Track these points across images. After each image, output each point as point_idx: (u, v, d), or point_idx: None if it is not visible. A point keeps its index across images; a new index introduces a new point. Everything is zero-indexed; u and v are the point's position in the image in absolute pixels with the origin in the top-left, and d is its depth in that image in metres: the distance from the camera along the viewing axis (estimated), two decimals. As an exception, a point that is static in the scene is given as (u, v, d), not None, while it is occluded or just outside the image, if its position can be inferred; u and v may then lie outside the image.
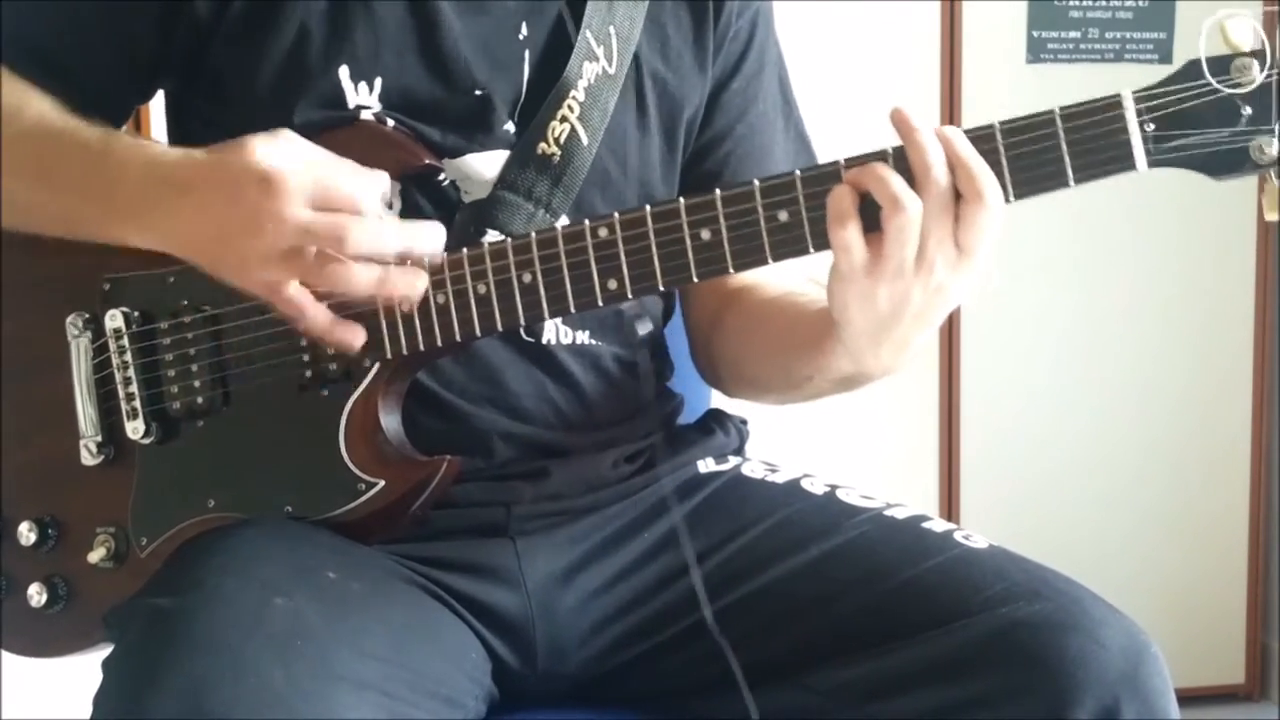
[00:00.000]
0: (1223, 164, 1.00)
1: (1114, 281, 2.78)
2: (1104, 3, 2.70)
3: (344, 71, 1.13)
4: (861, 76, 2.63)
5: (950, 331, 2.74)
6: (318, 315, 1.05)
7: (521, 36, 1.17)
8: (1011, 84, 2.67)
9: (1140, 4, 2.70)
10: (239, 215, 1.02)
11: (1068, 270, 2.76)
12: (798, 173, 1.04)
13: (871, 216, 1.01)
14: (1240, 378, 2.84)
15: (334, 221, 1.01)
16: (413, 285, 1.06)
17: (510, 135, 1.16)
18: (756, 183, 1.05)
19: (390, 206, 1.13)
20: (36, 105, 1.13)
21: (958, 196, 1.00)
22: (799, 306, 1.20)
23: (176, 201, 1.05)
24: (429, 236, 1.07)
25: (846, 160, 1.03)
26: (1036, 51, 2.69)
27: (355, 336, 1.07)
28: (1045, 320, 2.77)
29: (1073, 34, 2.69)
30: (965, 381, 2.76)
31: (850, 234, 1.01)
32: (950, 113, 2.67)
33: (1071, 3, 2.69)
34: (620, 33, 1.18)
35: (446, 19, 1.15)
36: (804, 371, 1.18)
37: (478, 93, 1.15)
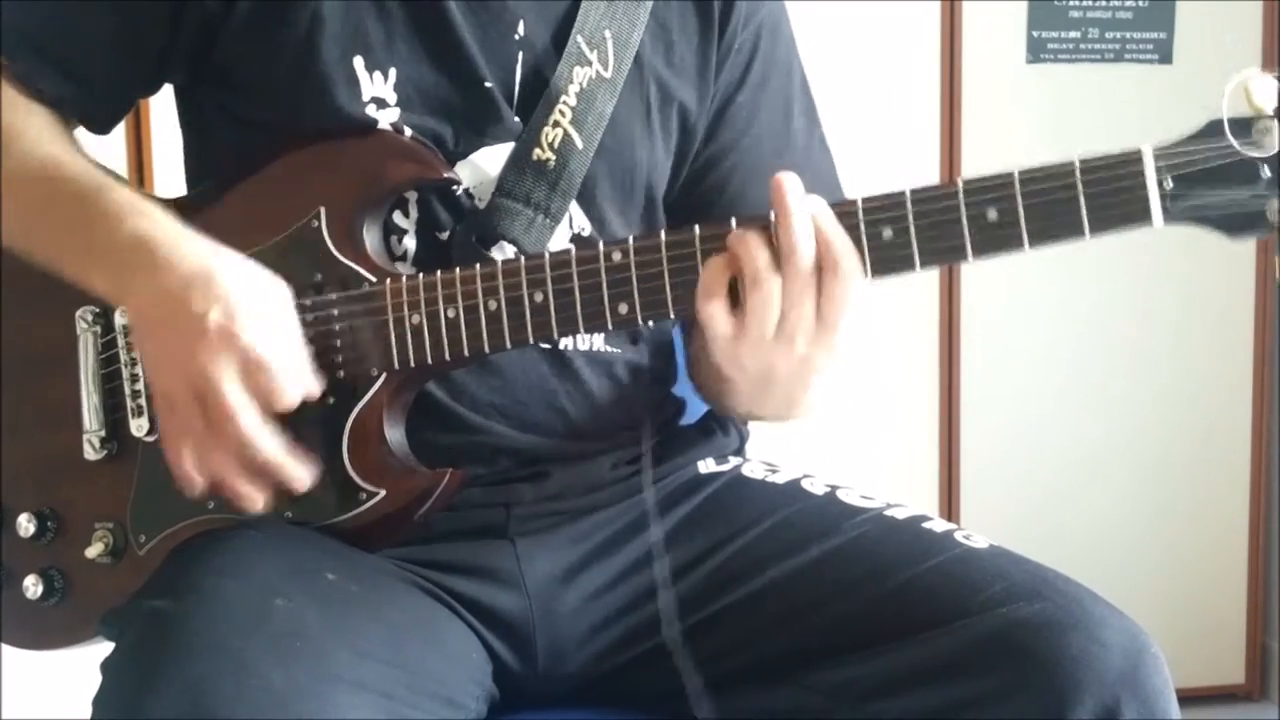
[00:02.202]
0: (1239, 224, 1.01)
1: (1114, 282, 2.78)
2: (1104, 3, 2.70)
3: (359, 62, 1.13)
4: (861, 76, 2.63)
5: (950, 332, 2.74)
6: (183, 460, 1.06)
7: (518, 36, 1.17)
8: (1011, 84, 2.67)
9: (1140, 4, 2.70)
10: (176, 340, 1.03)
11: (1067, 271, 2.75)
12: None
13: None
14: (1240, 378, 2.84)
15: (235, 404, 1.03)
16: (252, 501, 1.06)
17: (518, 126, 1.16)
18: (772, 214, 1.04)
19: (408, 215, 1.14)
20: (24, 139, 1.13)
21: (821, 270, 1.02)
22: None
23: (139, 279, 1.06)
24: (301, 474, 1.07)
25: (737, 220, 1.05)
26: (1036, 51, 2.69)
27: (192, 488, 1.07)
28: (1045, 321, 2.77)
29: (1073, 34, 2.69)
30: (965, 382, 2.76)
31: (713, 308, 1.04)
32: (950, 113, 2.66)
33: (1071, 3, 2.69)
34: (618, 35, 1.18)
35: (453, 14, 1.15)
36: (726, 404, 1.21)
37: (486, 84, 1.15)
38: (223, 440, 1.04)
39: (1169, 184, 1.00)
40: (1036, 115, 2.65)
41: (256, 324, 1.03)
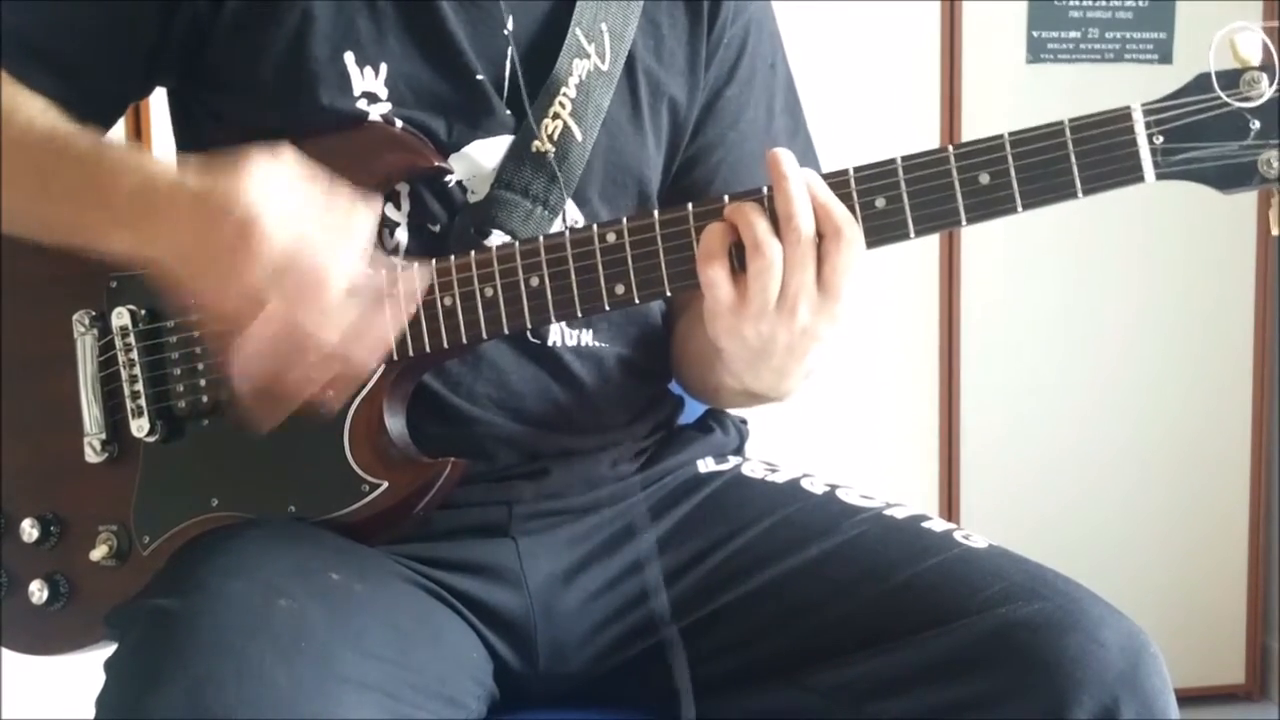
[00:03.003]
0: (1230, 177, 1.01)
1: (1114, 282, 2.78)
2: (1104, 3, 2.70)
3: (349, 58, 1.13)
4: (861, 76, 2.63)
5: (950, 332, 2.74)
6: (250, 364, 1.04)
7: (506, 30, 1.17)
8: (1011, 84, 2.67)
9: (1140, 4, 2.70)
10: (217, 247, 1.00)
11: (1068, 270, 2.76)
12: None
13: (743, 256, 1.04)
14: (1240, 378, 2.84)
15: (295, 287, 1.00)
16: (355, 368, 1.05)
17: (510, 120, 1.17)
18: (765, 189, 1.05)
19: (400, 208, 1.14)
20: (26, 110, 1.12)
21: (821, 237, 1.03)
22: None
23: (164, 215, 1.04)
24: (370, 345, 1.05)
25: (729, 195, 1.06)
26: (1036, 51, 2.69)
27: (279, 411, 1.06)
28: (1045, 321, 2.77)
29: (1073, 34, 2.69)
30: (965, 381, 2.76)
31: (715, 272, 1.04)
32: (950, 113, 2.67)
33: (1071, 3, 2.69)
34: (613, 29, 1.19)
35: (443, 10, 1.15)
36: (710, 382, 1.21)
37: (479, 77, 1.16)
38: (296, 343, 1.01)
39: (1159, 139, 1.00)
40: (1036, 115, 2.60)
41: (275, 214, 1.00)
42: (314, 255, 1.00)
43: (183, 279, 1.04)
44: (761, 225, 1.03)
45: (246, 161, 1.01)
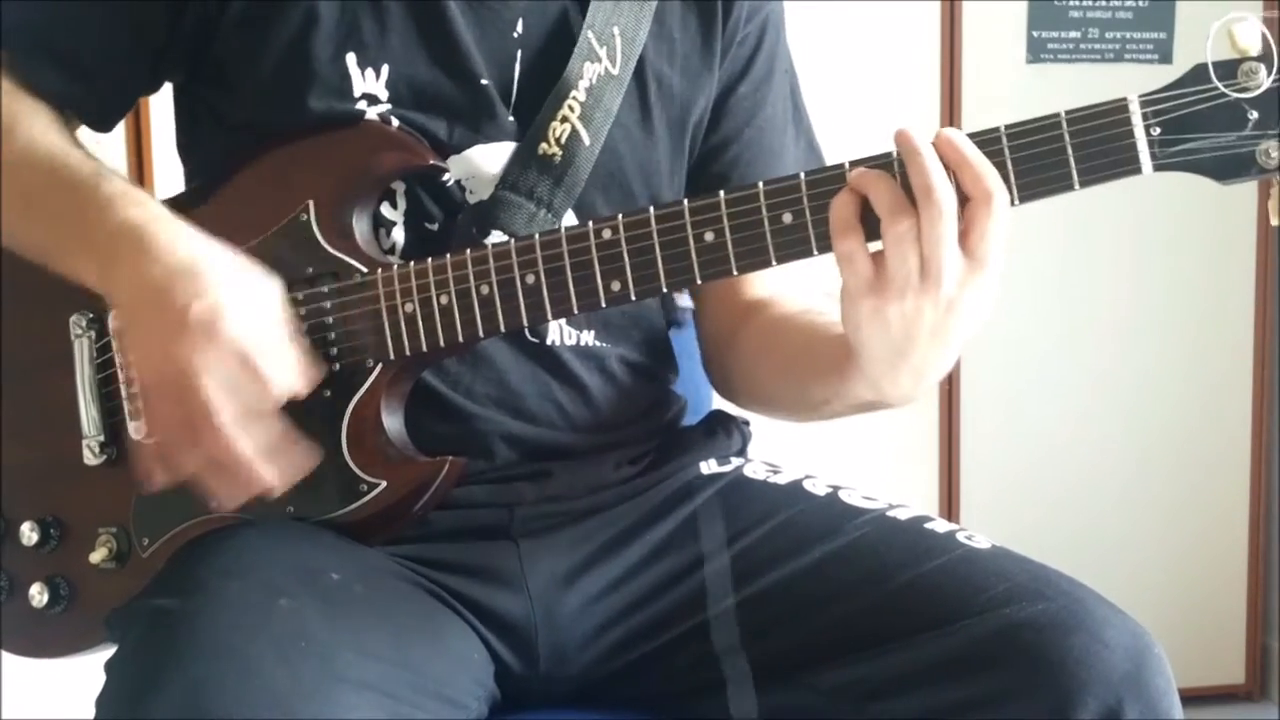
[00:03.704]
0: (1228, 168, 1.00)
1: (1115, 281, 2.78)
2: (1104, 3, 2.70)
3: (351, 59, 1.13)
4: (861, 76, 2.63)
5: (950, 331, 2.73)
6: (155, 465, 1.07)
7: (516, 34, 1.17)
8: (1011, 84, 2.67)
9: (1140, 4, 2.70)
10: (173, 312, 1.02)
11: (1068, 270, 2.76)
12: (802, 175, 1.04)
13: (875, 227, 1.01)
14: (1240, 378, 2.84)
15: (212, 401, 1.02)
16: (233, 492, 1.06)
17: (513, 126, 1.16)
18: (761, 185, 1.05)
19: (395, 206, 1.14)
20: (26, 127, 1.13)
21: (964, 202, 1.00)
22: (816, 327, 1.19)
23: (140, 265, 1.05)
24: (267, 480, 1.06)
25: (851, 162, 1.03)
26: (1036, 51, 2.69)
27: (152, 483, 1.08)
28: (1045, 321, 2.77)
29: (1073, 34, 2.69)
30: (965, 381, 2.76)
31: (852, 244, 1.01)
32: (950, 113, 2.67)
33: (1071, 3, 2.69)
34: (625, 32, 1.18)
35: (451, 12, 1.15)
36: (820, 395, 1.17)
37: (483, 82, 1.15)
38: (196, 437, 1.03)
39: (1156, 130, 1.00)
40: (1036, 115, 2.64)
41: (241, 319, 1.03)
42: (266, 365, 1.03)
43: (131, 325, 1.07)
44: (894, 189, 0.99)
45: (236, 261, 1.05)
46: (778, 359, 1.22)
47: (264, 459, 1.05)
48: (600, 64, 1.17)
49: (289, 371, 1.06)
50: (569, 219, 1.18)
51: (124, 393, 1.16)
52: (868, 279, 1.01)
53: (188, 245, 1.05)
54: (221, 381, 1.02)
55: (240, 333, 1.03)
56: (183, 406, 1.03)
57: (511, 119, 1.16)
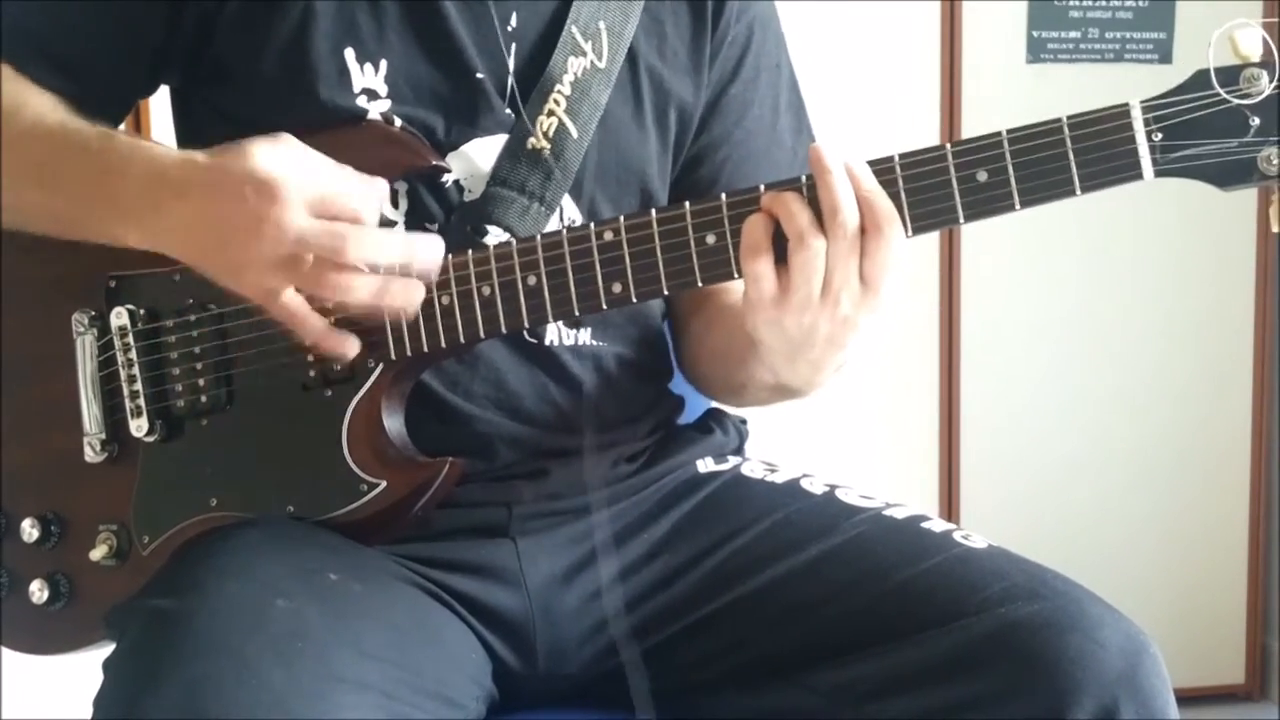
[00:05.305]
0: (1230, 174, 1.00)
1: (1114, 282, 2.78)
2: (1104, 3, 2.70)
3: (350, 54, 1.13)
4: (861, 76, 2.63)
5: (950, 332, 2.74)
6: (312, 323, 1.06)
7: (510, 28, 1.18)
8: (1011, 84, 2.67)
9: (1140, 4, 2.70)
10: (237, 220, 1.01)
11: (1068, 270, 2.76)
12: (801, 180, 1.05)
13: (783, 248, 1.04)
14: (1240, 378, 2.84)
15: (333, 230, 1.01)
16: (410, 296, 1.06)
17: (509, 120, 1.17)
18: (762, 188, 1.05)
19: (397, 206, 1.14)
20: (34, 104, 1.13)
21: (863, 231, 1.02)
22: (737, 317, 1.20)
23: (176, 203, 1.05)
24: (428, 248, 1.06)
25: (765, 186, 1.05)
26: (1036, 51, 2.69)
27: (349, 346, 1.08)
28: (1045, 321, 2.77)
29: (1073, 34, 2.69)
30: (965, 381, 2.76)
31: (761, 265, 1.04)
32: (950, 113, 2.67)
33: (1071, 3, 2.69)
34: (612, 27, 1.19)
35: (446, 8, 1.15)
36: (738, 378, 1.21)
37: (479, 76, 1.16)
38: (342, 278, 1.02)
39: (1158, 136, 1.00)
40: (1036, 115, 2.61)
41: (293, 172, 1.01)
42: (346, 199, 1.02)
43: (207, 264, 1.05)
44: (805, 216, 1.03)
45: (252, 141, 1.03)
46: (709, 345, 1.26)
47: (407, 249, 1.05)
48: (585, 58, 1.17)
49: (353, 179, 1.04)
50: (570, 210, 1.18)
51: (125, 391, 1.16)
52: (771, 296, 1.04)
53: (206, 161, 1.04)
54: (318, 221, 1.01)
55: (301, 180, 1.01)
56: (315, 258, 1.01)
57: (508, 112, 1.17)
